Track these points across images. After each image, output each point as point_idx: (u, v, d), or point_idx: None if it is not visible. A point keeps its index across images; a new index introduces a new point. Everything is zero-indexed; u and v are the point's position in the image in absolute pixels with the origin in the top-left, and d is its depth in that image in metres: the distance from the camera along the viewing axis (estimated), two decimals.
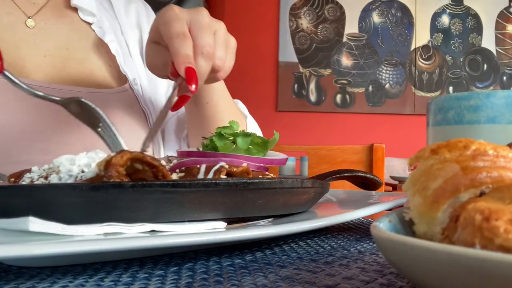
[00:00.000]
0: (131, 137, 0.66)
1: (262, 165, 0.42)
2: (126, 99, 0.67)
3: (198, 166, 0.37)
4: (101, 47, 0.67)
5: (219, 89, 0.63)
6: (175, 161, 0.40)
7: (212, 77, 0.51)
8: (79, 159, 0.33)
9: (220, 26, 0.50)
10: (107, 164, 0.30)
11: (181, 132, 0.73)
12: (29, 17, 0.64)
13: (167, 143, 0.73)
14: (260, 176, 0.40)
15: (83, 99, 0.48)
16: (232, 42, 0.51)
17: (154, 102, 0.72)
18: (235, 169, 0.37)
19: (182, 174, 0.38)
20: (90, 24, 0.68)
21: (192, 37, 0.46)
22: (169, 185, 0.29)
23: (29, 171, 0.35)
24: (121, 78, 0.68)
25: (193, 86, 0.44)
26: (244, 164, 0.39)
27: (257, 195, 0.33)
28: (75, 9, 0.68)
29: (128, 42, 0.71)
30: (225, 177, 0.36)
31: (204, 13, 0.49)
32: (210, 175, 0.36)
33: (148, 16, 0.77)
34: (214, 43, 0.48)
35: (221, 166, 0.36)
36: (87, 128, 0.62)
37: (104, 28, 0.68)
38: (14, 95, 0.57)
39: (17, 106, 0.58)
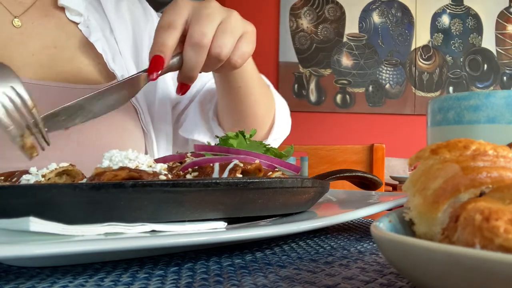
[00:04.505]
0: (121, 133, 0.65)
1: (274, 165, 0.42)
2: None
3: (212, 164, 0.37)
4: (88, 46, 0.68)
5: (250, 73, 0.62)
6: (188, 160, 0.40)
7: (225, 65, 0.50)
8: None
9: (228, 14, 0.49)
10: (99, 174, 0.31)
11: (206, 113, 0.73)
12: (15, 17, 0.64)
13: (193, 125, 0.73)
14: (270, 173, 0.40)
15: None
16: (241, 28, 0.50)
17: (147, 98, 0.71)
18: (249, 167, 0.37)
19: (196, 173, 0.38)
20: (77, 23, 0.68)
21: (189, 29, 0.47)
22: (170, 184, 0.29)
23: (27, 172, 0.35)
24: (110, 76, 0.68)
25: (153, 75, 0.45)
26: (257, 161, 0.39)
27: (257, 195, 0.33)
28: (62, 9, 0.68)
29: (118, 40, 0.71)
30: (240, 175, 0.36)
31: (210, 4, 0.49)
32: (225, 174, 0.36)
33: (145, 12, 0.77)
34: (215, 32, 0.47)
35: (236, 165, 0.36)
36: (85, 124, 0.62)
37: (91, 28, 0.68)
38: None
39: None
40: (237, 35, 0.49)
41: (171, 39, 0.46)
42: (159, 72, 0.46)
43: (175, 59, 0.48)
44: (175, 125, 0.78)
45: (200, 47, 0.46)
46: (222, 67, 0.51)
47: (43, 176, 0.34)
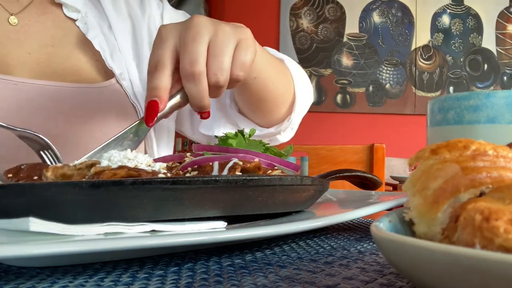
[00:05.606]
0: (119, 131, 0.65)
1: (274, 163, 0.42)
2: (112, 93, 0.66)
3: (211, 163, 0.37)
4: (86, 43, 0.67)
5: (262, 60, 0.58)
6: (187, 159, 0.40)
7: (232, 83, 0.48)
8: None
9: (216, 29, 0.46)
10: (98, 173, 0.31)
11: (222, 103, 0.71)
12: (12, 15, 0.63)
13: (211, 120, 0.71)
14: (269, 171, 0.40)
15: (37, 135, 0.46)
16: (233, 40, 0.47)
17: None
18: (248, 165, 0.37)
19: (195, 172, 0.38)
20: (75, 20, 0.67)
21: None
22: (169, 182, 0.29)
23: (36, 165, 0.35)
24: (108, 73, 0.67)
25: (150, 122, 0.44)
26: (256, 159, 0.39)
27: (257, 193, 0.33)
28: (60, 6, 0.67)
29: (117, 36, 0.70)
30: (240, 173, 0.36)
31: (193, 22, 0.46)
32: (225, 173, 0.36)
33: (142, 5, 0.75)
34: (208, 55, 0.45)
35: (235, 163, 0.36)
36: (83, 123, 0.62)
37: (89, 24, 0.67)
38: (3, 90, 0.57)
39: (4, 104, 0.57)
40: (230, 51, 0.46)
41: (163, 80, 0.44)
42: (156, 117, 0.44)
43: (179, 95, 0.46)
44: (191, 118, 0.77)
45: (194, 77, 0.44)
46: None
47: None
